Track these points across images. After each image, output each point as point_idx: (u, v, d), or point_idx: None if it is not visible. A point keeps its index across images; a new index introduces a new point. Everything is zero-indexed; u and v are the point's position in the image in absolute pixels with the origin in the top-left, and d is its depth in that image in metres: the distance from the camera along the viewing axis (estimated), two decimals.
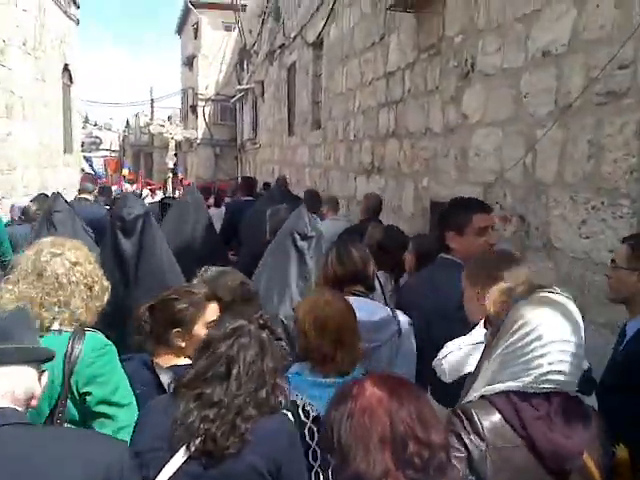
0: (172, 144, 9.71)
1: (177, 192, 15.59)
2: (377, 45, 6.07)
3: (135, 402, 1.82)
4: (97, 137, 39.25)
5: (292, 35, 11.06)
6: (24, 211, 6.10)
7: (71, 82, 10.08)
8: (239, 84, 18.38)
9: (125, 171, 22.96)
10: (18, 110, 6.89)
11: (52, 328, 1.76)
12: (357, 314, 2.04)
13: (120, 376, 1.83)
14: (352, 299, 2.17)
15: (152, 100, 30.56)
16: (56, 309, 1.78)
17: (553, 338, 1.30)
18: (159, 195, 14.26)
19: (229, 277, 2.41)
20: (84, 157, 32.12)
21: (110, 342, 1.84)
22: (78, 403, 1.74)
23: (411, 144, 5.07)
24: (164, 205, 5.98)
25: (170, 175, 9.97)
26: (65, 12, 9.31)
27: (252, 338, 1.60)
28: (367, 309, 2.22)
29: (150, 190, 15.76)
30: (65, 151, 9.61)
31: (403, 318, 2.31)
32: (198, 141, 22.60)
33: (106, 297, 1.94)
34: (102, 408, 1.75)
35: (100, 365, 1.77)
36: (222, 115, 22.23)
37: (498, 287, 1.54)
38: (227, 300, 2.21)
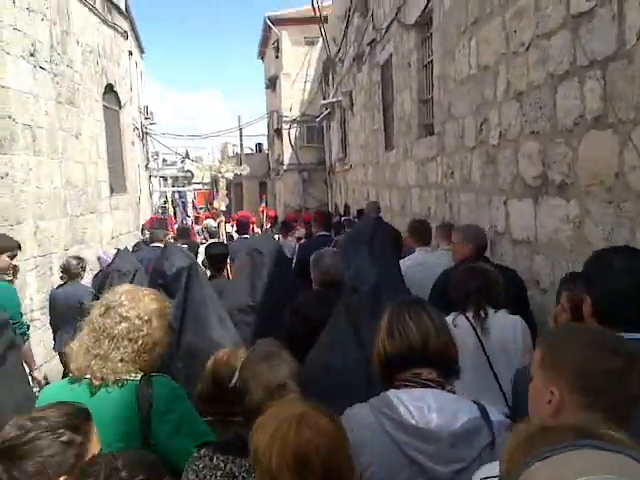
0: (223, 183, 8.05)
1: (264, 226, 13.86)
2: None
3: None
4: (189, 171, 39.37)
5: (384, 25, 8.82)
6: (65, 268, 5.11)
7: (120, 107, 8.39)
8: (324, 100, 16.48)
9: (216, 203, 21.82)
10: (25, 143, 5.09)
11: (103, 377, 1.84)
12: (427, 417, 1.53)
13: (194, 412, 1.92)
14: (418, 392, 1.58)
15: (240, 130, 29.83)
16: (93, 361, 1.84)
17: None
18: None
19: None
20: (178, 192, 32.14)
21: (177, 385, 1.94)
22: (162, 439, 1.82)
23: None
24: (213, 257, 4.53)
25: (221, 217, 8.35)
26: (104, 20, 7.59)
27: None
28: (443, 409, 1.55)
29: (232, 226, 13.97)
30: (113, 191, 7.84)
31: (497, 418, 1.59)
32: (284, 167, 21.05)
33: (159, 349, 1.96)
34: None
35: (177, 410, 1.85)
36: (308, 137, 20.54)
37: (520, 428, 0.95)
38: None
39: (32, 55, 5.32)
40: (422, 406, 1.57)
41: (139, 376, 1.88)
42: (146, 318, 1.95)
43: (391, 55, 8.53)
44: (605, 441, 0.79)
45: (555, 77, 3.46)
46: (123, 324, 1.91)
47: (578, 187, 3.24)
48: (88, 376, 1.85)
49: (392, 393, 1.63)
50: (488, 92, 4.58)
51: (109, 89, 8.05)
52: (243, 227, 8.26)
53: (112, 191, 7.84)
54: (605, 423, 1.15)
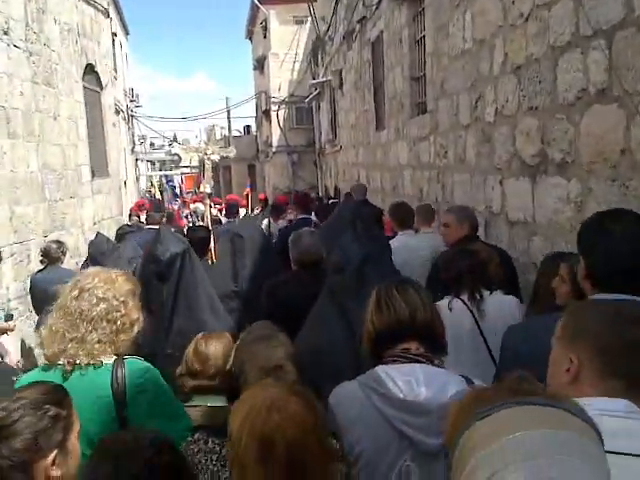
0: (208, 165, 7.84)
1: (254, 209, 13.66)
2: None
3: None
4: (176, 154, 38.89)
5: (375, 1, 8.56)
6: (45, 252, 4.98)
7: (101, 88, 8.06)
8: (314, 80, 16.16)
9: (202, 186, 21.47)
10: None
11: (76, 362, 1.81)
12: (416, 391, 1.53)
13: (169, 393, 1.93)
14: (406, 367, 1.59)
15: (228, 112, 29.40)
16: (70, 345, 1.82)
17: None
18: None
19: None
20: (165, 176, 31.70)
21: (150, 365, 1.91)
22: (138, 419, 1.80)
23: None
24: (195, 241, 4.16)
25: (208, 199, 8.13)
26: None
27: None
28: (431, 382, 1.56)
29: (219, 210, 13.74)
30: (94, 175, 7.56)
31: None
32: (273, 149, 20.72)
33: (136, 328, 1.96)
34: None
35: (150, 391, 1.85)
36: (297, 118, 20.19)
37: (465, 394, 0.99)
38: None
39: (5, 33, 5.03)
40: (410, 380, 1.56)
41: (112, 359, 1.86)
42: (122, 299, 1.95)
43: (382, 32, 8.29)
44: (536, 397, 0.81)
45: (556, 49, 3.28)
46: (101, 305, 1.89)
47: (580, 165, 3.09)
48: (61, 361, 1.81)
49: (380, 369, 1.62)
50: (484, 67, 4.39)
51: (89, 69, 7.71)
52: (232, 210, 8.10)
53: (93, 175, 7.57)
54: (626, 393, 1.14)
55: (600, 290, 1.69)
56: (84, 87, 7.41)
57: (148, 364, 1.93)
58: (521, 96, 3.76)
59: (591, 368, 1.20)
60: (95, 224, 7.39)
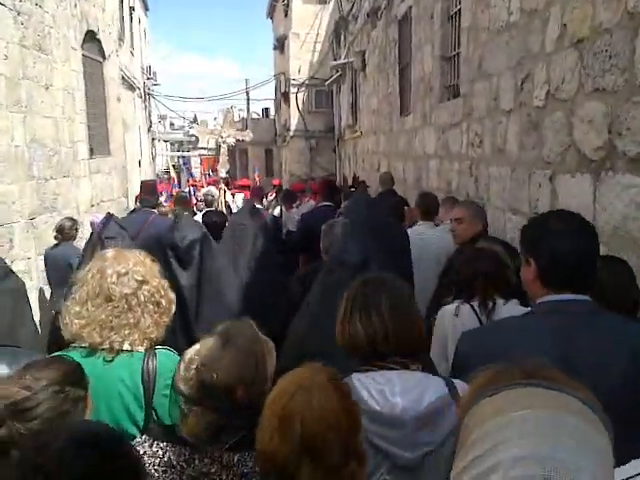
0: (224, 149, 7.34)
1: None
2: None
3: None
4: (193, 135, 38.48)
5: None
6: (59, 229, 5.20)
7: (103, 58, 7.47)
8: (335, 61, 15.45)
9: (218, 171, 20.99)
10: None
11: (123, 349, 1.80)
12: (391, 401, 1.50)
13: None
14: (383, 375, 1.56)
15: (247, 93, 28.89)
16: (126, 331, 1.81)
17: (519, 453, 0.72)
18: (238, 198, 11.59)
19: None
20: (182, 157, 31.33)
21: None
22: (163, 413, 1.79)
23: None
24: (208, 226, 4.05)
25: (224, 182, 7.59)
26: None
27: None
28: (408, 391, 1.52)
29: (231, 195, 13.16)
30: (93, 153, 6.99)
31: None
32: (291, 133, 20.10)
33: (173, 309, 1.96)
34: None
35: None
36: (317, 101, 19.53)
37: (478, 375, 0.98)
38: None
39: None
40: (384, 389, 1.53)
41: (145, 347, 1.86)
42: (157, 280, 1.94)
43: (410, 7, 7.60)
44: (550, 382, 0.82)
45: (636, 16, 2.62)
46: (145, 287, 1.88)
47: None
48: (106, 346, 1.79)
49: (355, 377, 1.58)
50: (534, 42, 3.73)
51: (90, 37, 7.10)
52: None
53: (92, 152, 7.02)
54: None
55: (550, 291, 1.67)
56: (83, 55, 6.80)
57: (179, 357, 1.88)
58: (584, 75, 3.10)
59: None
60: (93, 206, 6.86)
